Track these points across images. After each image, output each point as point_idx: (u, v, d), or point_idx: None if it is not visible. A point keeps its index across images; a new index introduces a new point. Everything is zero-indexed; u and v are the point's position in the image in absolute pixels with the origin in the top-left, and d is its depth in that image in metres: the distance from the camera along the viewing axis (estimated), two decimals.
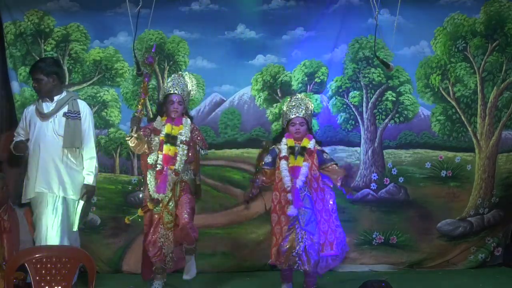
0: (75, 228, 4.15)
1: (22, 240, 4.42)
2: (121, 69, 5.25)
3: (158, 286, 4.36)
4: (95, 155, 4.23)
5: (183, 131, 4.23)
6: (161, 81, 5.25)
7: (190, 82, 4.38)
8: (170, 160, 4.18)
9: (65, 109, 4.15)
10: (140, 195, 4.64)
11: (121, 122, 5.26)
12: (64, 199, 4.10)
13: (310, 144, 4.25)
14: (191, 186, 4.35)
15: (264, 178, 4.30)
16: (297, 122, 4.25)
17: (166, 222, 4.24)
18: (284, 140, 4.29)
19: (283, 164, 4.21)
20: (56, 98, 4.19)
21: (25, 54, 5.13)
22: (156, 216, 4.26)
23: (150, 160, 4.23)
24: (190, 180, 4.34)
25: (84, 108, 4.24)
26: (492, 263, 5.41)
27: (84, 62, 5.22)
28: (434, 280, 4.94)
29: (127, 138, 4.13)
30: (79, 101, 4.27)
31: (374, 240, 5.30)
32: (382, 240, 5.30)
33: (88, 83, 5.24)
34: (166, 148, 4.19)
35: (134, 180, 5.24)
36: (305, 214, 4.14)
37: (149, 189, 4.23)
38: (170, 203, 4.24)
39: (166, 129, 4.23)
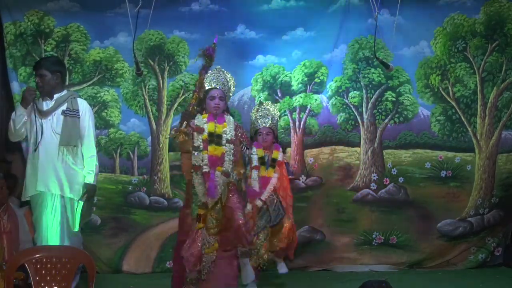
0: (76, 228, 4.12)
1: (22, 240, 4.42)
2: (121, 69, 5.25)
3: None
4: (95, 153, 4.16)
5: (227, 129, 3.96)
6: (161, 81, 5.25)
7: (230, 78, 4.18)
8: (216, 161, 3.89)
9: (64, 107, 4.11)
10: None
11: (121, 123, 5.26)
12: (63, 198, 4.08)
13: (280, 156, 4.42)
14: (238, 187, 4.09)
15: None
16: (264, 132, 4.42)
17: (210, 227, 3.89)
18: (254, 149, 4.38)
19: (254, 173, 4.32)
20: (56, 96, 4.18)
21: (25, 55, 5.13)
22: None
23: (195, 161, 3.90)
24: (236, 181, 4.06)
25: (83, 106, 4.18)
26: (492, 263, 5.41)
27: (84, 63, 5.22)
28: (434, 280, 4.94)
29: (173, 134, 3.86)
30: (79, 99, 4.21)
31: (374, 240, 5.30)
32: (382, 240, 5.30)
33: (88, 83, 5.24)
34: (212, 148, 3.90)
35: (135, 180, 5.24)
36: (278, 216, 4.31)
37: (196, 193, 3.90)
38: (217, 206, 3.91)
39: (209, 127, 3.93)
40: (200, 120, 4.00)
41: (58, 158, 4.08)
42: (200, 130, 3.96)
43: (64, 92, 4.22)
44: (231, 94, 4.29)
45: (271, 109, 4.52)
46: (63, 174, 4.08)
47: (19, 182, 5.08)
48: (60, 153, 4.08)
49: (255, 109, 4.58)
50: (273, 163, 4.40)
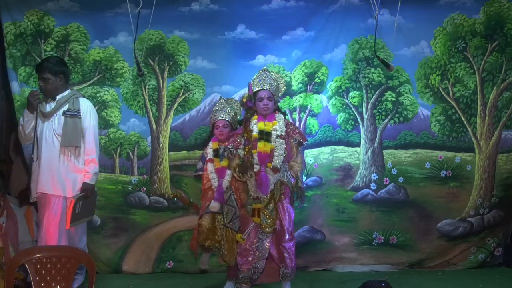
0: (67, 226, 4.06)
1: (21, 241, 4.43)
2: (121, 69, 5.25)
3: None
4: (94, 153, 4.12)
5: (277, 126, 4.16)
6: (161, 81, 5.25)
7: (278, 78, 4.38)
8: (266, 157, 4.09)
9: (65, 107, 4.11)
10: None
11: (121, 122, 5.26)
12: (64, 199, 4.09)
13: None
14: (291, 190, 4.23)
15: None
16: (220, 125, 4.41)
17: (264, 226, 4.10)
18: (210, 144, 4.44)
19: (209, 166, 4.36)
20: (58, 97, 4.16)
21: (25, 55, 5.13)
22: (252, 222, 4.14)
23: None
24: (290, 183, 4.22)
25: (85, 106, 4.15)
26: (492, 263, 5.41)
27: (84, 62, 5.22)
28: (434, 280, 4.94)
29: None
30: (81, 99, 4.18)
31: (374, 240, 5.30)
32: (382, 240, 5.30)
33: (88, 83, 5.24)
34: (261, 144, 4.10)
35: (134, 181, 5.24)
36: (229, 211, 4.29)
37: (249, 189, 4.16)
38: (270, 206, 4.12)
39: (259, 126, 4.16)
40: (252, 122, 4.22)
41: (59, 159, 4.07)
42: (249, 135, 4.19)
43: (67, 92, 4.19)
44: (280, 94, 4.47)
45: (231, 103, 4.53)
46: (65, 175, 4.07)
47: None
48: (61, 154, 4.07)
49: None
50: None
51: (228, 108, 4.46)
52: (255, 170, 4.13)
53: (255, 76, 4.37)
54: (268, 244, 4.18)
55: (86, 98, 4.35)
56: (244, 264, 4.18)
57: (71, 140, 4.06)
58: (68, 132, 4.05)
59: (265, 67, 4.54)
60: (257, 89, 4.23)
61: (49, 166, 4.07)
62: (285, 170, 4.23)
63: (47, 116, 4.11)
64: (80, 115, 4.10)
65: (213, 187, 4.31)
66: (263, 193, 4.10)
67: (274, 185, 4.14)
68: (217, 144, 4.40)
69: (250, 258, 4.16)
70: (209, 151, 4.41)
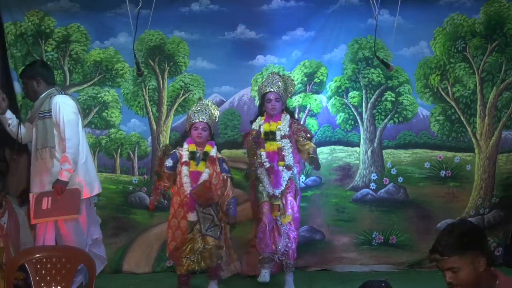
0: (31, 222, 4.02)
1: (23, 242, 4.43)
2: (122, 69, 5.27)
3: (265, 274, 4.29)
4: (65, 150, 3.95)
5: (281, 126, 4.37)
6: (161, 82, 5.26)
7: (284, 79, 4.54)
8: (274, 155, 4.32)
9: (40, 110, 4.07)
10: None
11: (121, 123, 5.28)
12: None
13: (212, 151, 4.32)
14: (296, 185, 4.43)
15: (165, 184, 4.29)
16: (200, 127, 4.30)
17: (275, 214, 4.32)
18: (185, 145, 4.32)
19: (184, 169, 4.24)
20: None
21: (25, 55, 5.15)
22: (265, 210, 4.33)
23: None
24: (295, 179, 4.44)
25: (55, 102, 4.01)
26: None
27: (85, 63, 5.23)
28: (434, 280, 4.92)
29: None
30: (54, 97, 4.05)
31: (374, 240, 5.31)
32: (382, 240, 5.30)
33: (89, 83, 5.26)
34: (268, 145, 4.36)
35: (135, 181, 5.26)
36: (205, 219, 4.23)
37: (264, 186, 4.33)
38: (278, 195, 4.35)
39: (264, 128, 4.40)
40: (257, 122, 4.46)
41: (37, 162, 4.03)
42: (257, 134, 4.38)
43: (45, 93, 4.09)
44: (290, 94, 4.69)
45: (210, 106, 4.45)
46: (45, 177, 4.02)
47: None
48: (38, 156, 4.02)
49: (194, 105, 4.56)
50: (205, 157, 4.28)
51: (209, 111, 4.37)
52: (266, 166, 4.30)
53: (264, 79, 4.58)
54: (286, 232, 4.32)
55: (65, 94, 4.18)
56: (264, 247, 4.26)
57: (45, 141, 3.98)
58: (40, 134, 3.98)
59: (274, 70, 4.74)
60: (266, 91, 4.39)
61: (35, 170, 4.06)
62: (294, 166, 4.41)
63: (30, 121, 4.11)
64: (50, 115, 4.00)
65: (186, 193, 4.19)
66: (277, 188, 4.29)
67: (287, 182, 4.33)
68: (194, 147, 4.29)
69: (269, 241, 4.26)
70: (185, 153, 4.27)
